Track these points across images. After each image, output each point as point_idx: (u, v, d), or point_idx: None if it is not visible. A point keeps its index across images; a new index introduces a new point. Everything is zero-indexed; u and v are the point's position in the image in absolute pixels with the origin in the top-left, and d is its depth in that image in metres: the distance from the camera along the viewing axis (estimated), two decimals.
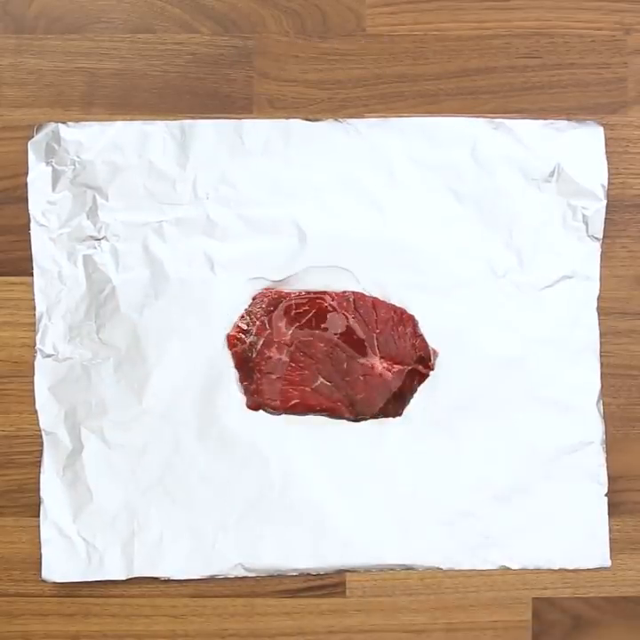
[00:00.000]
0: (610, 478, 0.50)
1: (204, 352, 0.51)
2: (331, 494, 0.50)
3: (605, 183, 0.51)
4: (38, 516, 0.50)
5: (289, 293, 0.51)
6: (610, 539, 0.50)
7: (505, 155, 0.51)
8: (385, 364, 0.50)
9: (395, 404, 0.51)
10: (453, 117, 0.51)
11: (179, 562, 0.50)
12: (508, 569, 0.50)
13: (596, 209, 0.51)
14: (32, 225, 0.51)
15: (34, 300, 0.51)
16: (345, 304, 0.50)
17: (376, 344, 0.50)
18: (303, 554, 0.50)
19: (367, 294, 0.51)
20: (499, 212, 0.51)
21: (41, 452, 0.50)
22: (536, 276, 0.51)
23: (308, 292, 0.51)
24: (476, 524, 0.50)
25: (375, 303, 0.51)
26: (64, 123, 0.51)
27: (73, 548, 0.50)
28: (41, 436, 0.50)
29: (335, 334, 0.50)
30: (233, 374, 0.51)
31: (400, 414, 0.51)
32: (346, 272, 0.51)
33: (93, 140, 0.51)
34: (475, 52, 0.52)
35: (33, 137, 0.51)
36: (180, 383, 0.51)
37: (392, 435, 0.51)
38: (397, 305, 0.51)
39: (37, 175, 0.51)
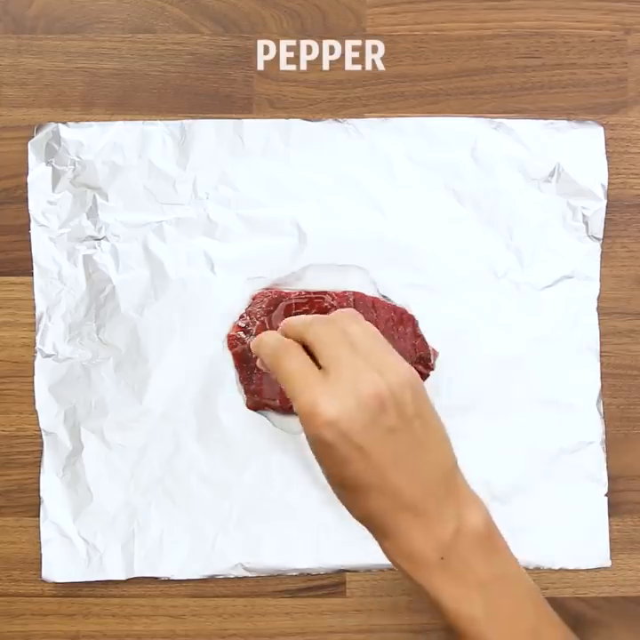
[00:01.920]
0: (610, 478, 0.50)
1: (203, 352, 0.51)
2: (331, 494, 0.50)
3: (605, 183, 0.51)
4: (38, 516, 0.50)
5: (289, 293, 0.51)
6: (610, 539, 0.50)
7: (505, 155, 0.51)
8: None
9: None
10: (453, 117, 0.51)
11: (179, 562, 0.50)
12: None
13: (596, 209, 0.51)
14: (32, 225, 0.51)
15: (34, 300, 0.51)
16: (345, 304, 0.50)
17: None
18: (303, 554, 0.50)
19: (367, 294, 0.51)
20: (499, 211, 0.51)
21: (41, 451, 0.50)
22: (536, 276, 0.51)
23: (308, 292, 0.51)
24: None
25: (375, 303, 0.51)
26: (64, 123, 0.51)
27: (73, 548, 0.50)
28: (41, 436, 0.50)
29: None
30: (233, 374, 0.51)
31: None
32: (346, 272, 0.51)
33: (93, 140, 0.51)
34: (475, 52, 0.52)
35: (33, 137, 0.51)
36: (180, 383, 0.51)
37: None
38: (397, 305, 0.51)
39: (37, 175, 0.51)
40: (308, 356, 0.39)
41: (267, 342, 0.41)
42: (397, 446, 0.37)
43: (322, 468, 0.39)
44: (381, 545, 0.39)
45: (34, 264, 0.51)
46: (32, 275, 0.51)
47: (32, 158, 0.51)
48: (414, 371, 0.39)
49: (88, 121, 0.51)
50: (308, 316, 0.41)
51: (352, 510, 0.39)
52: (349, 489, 0.38)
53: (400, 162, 0.51)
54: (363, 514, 0.39)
